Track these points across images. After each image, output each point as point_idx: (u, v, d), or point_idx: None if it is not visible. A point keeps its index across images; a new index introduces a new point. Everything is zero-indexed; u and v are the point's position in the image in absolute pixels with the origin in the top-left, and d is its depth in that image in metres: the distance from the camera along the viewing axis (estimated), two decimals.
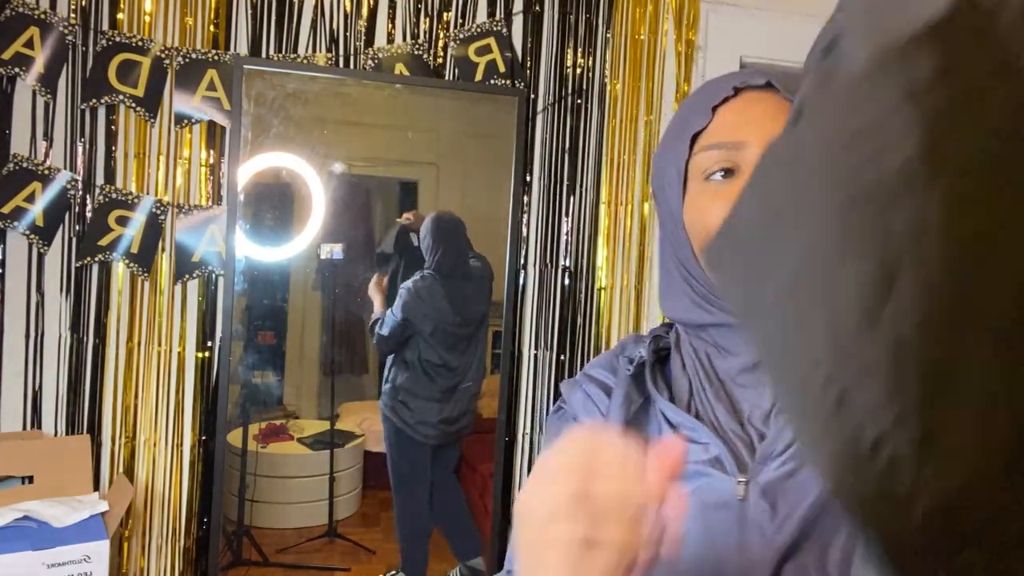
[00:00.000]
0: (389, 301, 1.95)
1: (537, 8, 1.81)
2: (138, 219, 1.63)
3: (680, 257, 0.66)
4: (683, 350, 0.69)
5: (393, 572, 1.93)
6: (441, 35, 1.77)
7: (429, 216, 1.96)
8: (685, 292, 0.66)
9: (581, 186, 1.84)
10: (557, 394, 0.76)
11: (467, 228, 1.95)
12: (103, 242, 1.62)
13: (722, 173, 0.62)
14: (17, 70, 1.56)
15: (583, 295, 1.84)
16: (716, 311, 0.63)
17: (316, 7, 1.71)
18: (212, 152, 1.68)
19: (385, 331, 1.94)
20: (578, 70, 1.83)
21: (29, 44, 1.56)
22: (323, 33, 1.72)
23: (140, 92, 1.62)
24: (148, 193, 1.64)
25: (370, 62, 1.72)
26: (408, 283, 1.95)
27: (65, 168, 1.60)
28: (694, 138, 0.63)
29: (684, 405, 0.66)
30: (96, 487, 1.60)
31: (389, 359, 1.99)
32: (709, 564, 0.58)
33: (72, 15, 1.59)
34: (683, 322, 0.68)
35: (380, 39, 1.75)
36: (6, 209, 1.56)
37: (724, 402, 0.64)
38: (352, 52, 1.73)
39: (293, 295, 1.97)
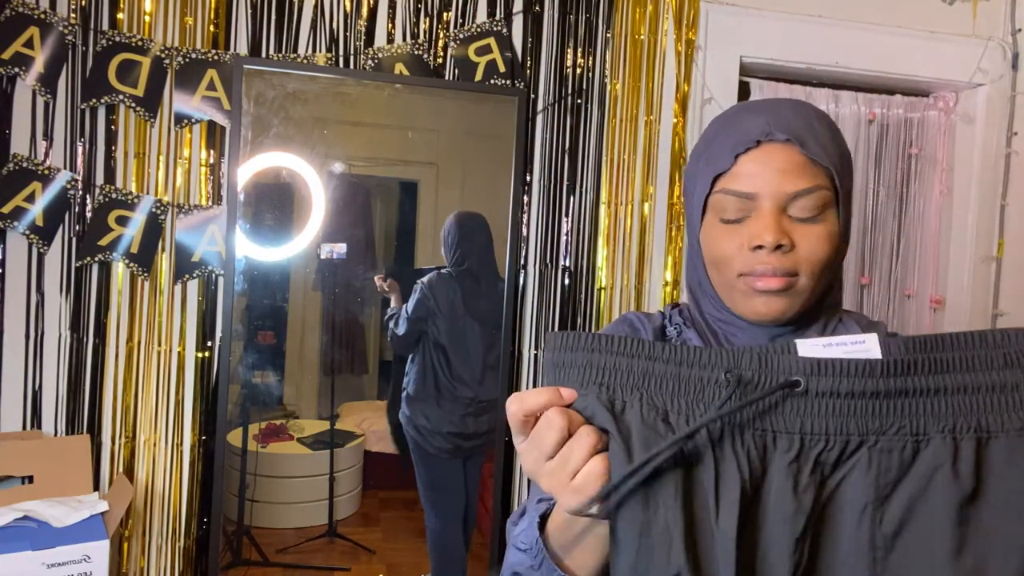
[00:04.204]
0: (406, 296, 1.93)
1: (537, 8, 1.81)
2: (138, 219, 1.63)
3: (694, 261, 0.80)
4: (696, 325, 0.81)
5: None
6: (441, 35, 1.77)
7: (452, 215, 1.94)
8: (699, 283, 0.80)
9: (581, 186, 1.84)
10: None
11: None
12: (103, 242, 1.62)
13: (734, 219, 0.73)
14: (17, 70, 1.56)
15: (583, 295, 1.84)
16: (723, 311, 0.77)
17: (316, 7, 1.71)
18: (212, 152, 1.68)
19: (400, 330, 1.92)
20: (578, 70, 1.83)
21: (29, 44, 1.56)
22: (323, 33, 1.72)
23: (140, 92, 1.62)
24: (148, 193, 1.64)
25: (370, 62, 1.72)
26: (424, 279, 1.94)
27: (65, 168, 1.60)
28: (716, 176, 0.73)
29: None
30: (96, 487, 1.60)
31: (407, 364, 1.97)
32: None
33: (72, 15, 1.59)
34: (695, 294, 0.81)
35: (380, 39, 1.75)
36: (6, 209, 1.56)
37: None
38: (352, 52, 1.73)
39: (293, 295, 1.96)
